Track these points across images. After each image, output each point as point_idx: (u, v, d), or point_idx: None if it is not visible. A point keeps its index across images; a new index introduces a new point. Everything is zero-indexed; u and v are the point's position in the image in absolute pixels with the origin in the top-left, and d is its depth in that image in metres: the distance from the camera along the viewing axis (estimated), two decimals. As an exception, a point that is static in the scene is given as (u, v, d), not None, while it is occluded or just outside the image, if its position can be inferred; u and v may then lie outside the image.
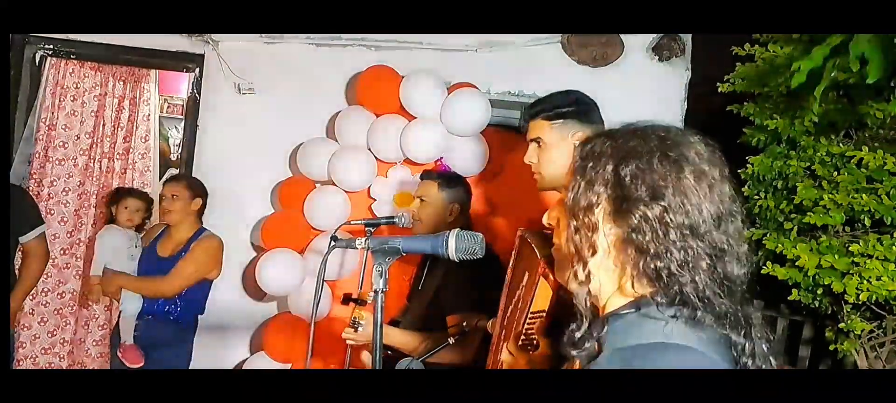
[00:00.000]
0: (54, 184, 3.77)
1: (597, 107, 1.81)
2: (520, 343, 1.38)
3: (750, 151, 2.69)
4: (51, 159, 3.75)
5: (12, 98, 3.56)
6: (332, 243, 1.66)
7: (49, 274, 3.68)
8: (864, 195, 2.23)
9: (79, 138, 3.82)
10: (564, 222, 0.99)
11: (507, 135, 3.43)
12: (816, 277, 2.34)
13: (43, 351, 3.78)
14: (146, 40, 3.54)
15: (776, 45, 2.56)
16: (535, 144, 1.77)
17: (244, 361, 3.52)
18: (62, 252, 3.77)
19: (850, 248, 2.28)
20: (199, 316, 3.19)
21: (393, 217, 2.50)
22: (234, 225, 3.52)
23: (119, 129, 3.93)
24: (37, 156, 3.73)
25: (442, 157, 3.24)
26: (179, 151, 4.19)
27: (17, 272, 3.03)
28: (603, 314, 0.97)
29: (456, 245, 1.34)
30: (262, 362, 3.31)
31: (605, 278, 0.96)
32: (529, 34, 3.56)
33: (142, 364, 2.95)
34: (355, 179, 3.27)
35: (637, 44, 3.58)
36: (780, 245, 2.45)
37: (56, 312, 3.80)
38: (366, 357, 2.35)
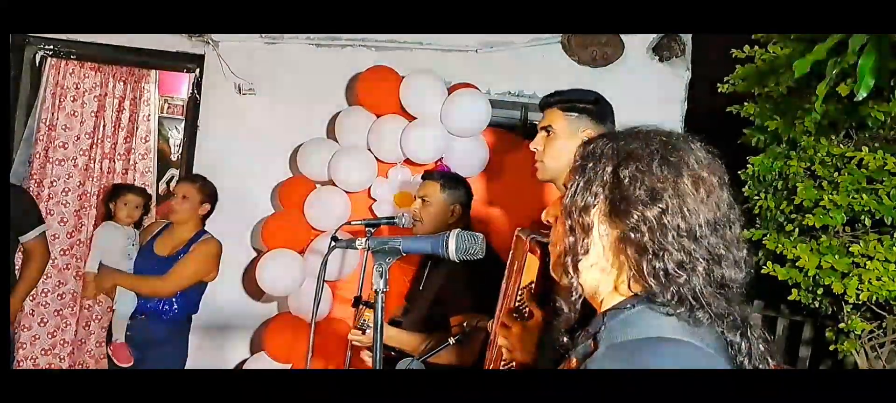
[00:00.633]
0: (54, 184, 3.76)
1: (612, 113, 1.83)
2: (512, 316, 1.42)
3: (750, 151, 2.69)
4: (51, 159, 3.75)
5: (12, 98, 3.56)
6: (333, 243, 1.66)
7: (49, 275, 3.68)
8: (864, 195, 2.23)
9: (79, 138, 3.82)
10: (561, 220, 1.00)
11: (507, 136, 3.43)
12: (817, 277, 2.34)
13: (43, 352, 3.78)
14: (146, 40, 3.55)
15: (776, 46, 2.56)
16: (545, 132, 1.78)
17: (244, 361, 3.52)
18: (62, 252, 3.77)
19: (850, 249, 2.28)
20: (194, 316, 3.18)
21: (393, 217, 2.50)
22: (235, 225, 3.52)
23: (120, 130, 3.93)
24: (37, 156, 3.73)
25: (442, 158, 3.24)
26: (179, 151, 4.20)
27: (17, 272, 3.03)
28: (600, 311, 0.97)
29: (456, 245, 1.34)
30: (263, 362, 3.30)
31: (603, 277, 0.97)
32: (529, 34, 3.57)
33: (131, 364, 2.94)
34: (355, 179, 3.27)
35: (637, 44, 3.59)
36: (780, 245, 2.45)
37: (56, 313, 3.80)
38: (367, 358, 2.36)
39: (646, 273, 0.90)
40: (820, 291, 2.42)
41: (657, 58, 3.58)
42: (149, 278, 3.02)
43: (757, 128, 2.70)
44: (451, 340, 2.11)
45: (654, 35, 3.59)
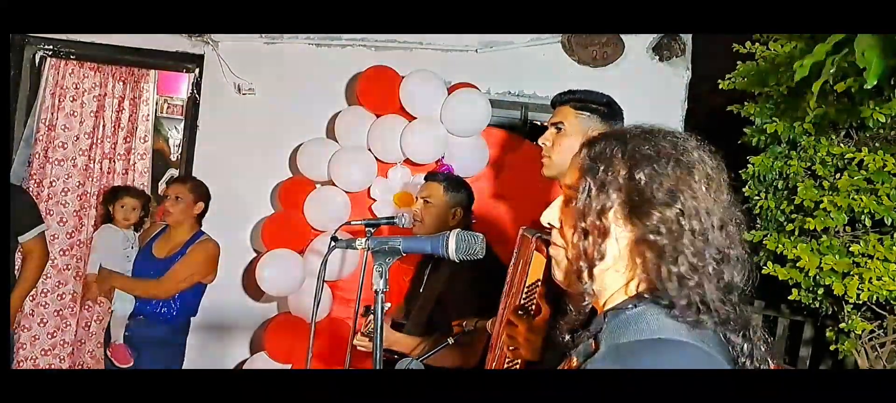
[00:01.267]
0: (54, 184, 3.77)
1: (622, 116, 1.84)
2: (518, 313, 1.43)
3: (750, 151, 2.69)
4: (50, 160, 3.75)
5: (12, 98, 3.56)
6: (332, 243, 1.66)
7: (48, 275, 3.68)
8: (864, 196, 2.23)
9: (78, 139, 3.82)
10: (570, 223, 0.98)
11: (507, 136, 3.43)
12: (817, 277, 2.34)
13: (43, 353, 3.78)
14: (146, 40, 3.55)
15: (777, 44, 2.56)
16: (555, 129, 1.79)
17: (244, 361, 3.51)
18: (62, 252, 3.77)
19: (850, 249, 2.28)
20: (193, 318, 3.18)
21: (393, 217, 2.50)
22: (234, 225, 3.52)
23: (119, 130, 3.94)
24: (36, 156, 3.73)
25: (442, 157, 3.24)
26: (179, 152, 4.20)
27: (17, 272, 3.03)
28: (601, 311, 0.97)
29: (456, 245, 1.34)
30: (263, 362, 3.30)
31: (611, 280, 0.96)
32: (529, 34, 3.57)
33: (130, 364, 2.94)
34: (355, 179, 3.26)
35: (637, 44, 3.59)
36: (780, 245, 2.45)
37: (56, 313, 3.80)
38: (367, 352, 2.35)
39: (663, 277, 0.90)
40: (820, 291, 2.42)
41: (657, 57, 3.58)
42: (144, 280, 3.02)
43: (757, 128, 2.70)
44: (450, 340, 2.11)
45: (655, 35, 3.59)
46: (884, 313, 2.40)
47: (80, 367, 3.83)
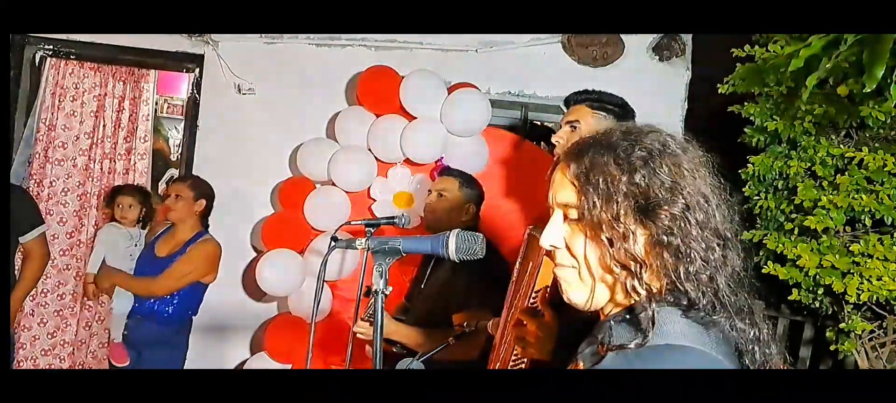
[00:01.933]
0: (54, 184, 3.76)
1: (635, 118, 1.84)
2: (528, 313, 1.42)
3: (750, 151, 2.69)
4: (50, 160, 3.75)
5: (12, 98, 3.56)
6: (333, 243, 1.66)
7: (48, 275, 3.68)
8: (864, 196, 2.23)
9: (78, 138, 3.82)
10: (581, 239, 0.95)
11: (507, 136, 3.43)
12: (817, 277, 2.34)
13: (43, 353, 3.77)
14: (146, 40, 3.55)
15: (776, 46, 2.56)
16: (570, 127, 1.79)
17: (244, 362, 3.52)
18: (62, 252, 3.76)
19: (850, 248, 2.28)
20: (194, 318, 3.18)
21: (393, 217, 2.50)
22: (234, 225, 3.52)
23: (119, 130, 3.93)
24: (36, 156, 3.73)
25: (442, 157, 3.24)
26: (179, 151, 4.20)
27: (17, 272, 3.03)
28: (604, 317, 0.97)
29: (456, 245, 1.33)
30: (263, 362, 3.30)
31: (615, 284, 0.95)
32: (529, 34, 3.57)
33: (127, 363, 2.94)
34: (355, 179, 3.27)
35: (637, 44, 3.59)
36: (780, 245, 2.45)
37: (56, 313, 3.80)
38: (370, 353, 2.35)
39: (682, 277, 0.89)
40: (820, 291, 2.42)
41: (657, 57, 3.58)
42: (143, 278, 3.02)
43: (757, 128, 2.70)
44: (451, 340, 2.12)
45: (655, 35, 3.59)
46: (884, 313, 2.40)
47: (80, 367, 3.83)
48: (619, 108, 1.82)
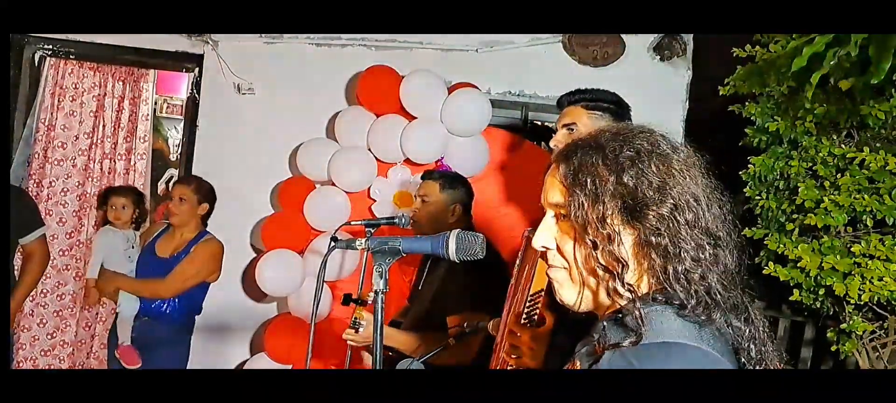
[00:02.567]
0: (53, 184, 3.77)
1: (630, 114, 1.83)
2: (521, 322, 1.42)
3: (751, 152, 2.69)
4: (50, 160, 3.75)
5: (12, 98, 3.56)
6: (332, 244, 1.65)
7: (48, 276, 3.68)
8: (865, 196, 2.23)
9: (78, 138, 3.82)
10: (570, 240, 0.97)
11: (507, 136, 3.43)
12: (818, 278, 2.33)
13: (43, 353, 3.77)
14: (145, 40, 3.55)
15: (777, 46, 2.55)
16: (567, 130, 1.78)
17: (245, 362, 3.51)
18: (61, 253, 3.76)
19: (851, 249, 2.27)
20: (197, 317, 3.18)
21: (393, 217, 2.50)
22: (234, 225, 3.51)
23: (119, 129, 3.94)
24: (36, 156, 3.73)
25: (442, 157, 3.23)
26: (179, 151, 4.20)
27: (16, 273, 3.02)
28: (603, 315, 0.97)
29: (456, 245, 1.33)
30: (263, 363, 3.30)
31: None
32: (530, 34, 3.56)
33: (139, 365, 2.94)
34: (355, 179, 3.26)
35: (638, 43, 3.58)
36: (781, 245, 2.44)
37: (55, 314, 3.80)
38: (367, 358, 2.35)
39: (671, 278, 0.90)
40: (821, 291, 2.42)
41: (658, 57, 3.58)
42: (149, 281, 3.02)
43: (758, 129, 2.70)
44: (451, 340, 2.11)
45: (655, 35, 3.59)
46: (885, 313, 2.40)
47: (80, 368, 3.83)
48: (614, 105, 1.81)
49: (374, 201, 3.32)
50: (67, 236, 3.79)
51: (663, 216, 0.91)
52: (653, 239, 0.91)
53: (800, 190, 2.40)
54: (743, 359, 0.94)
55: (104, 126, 3.88)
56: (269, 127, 3.59)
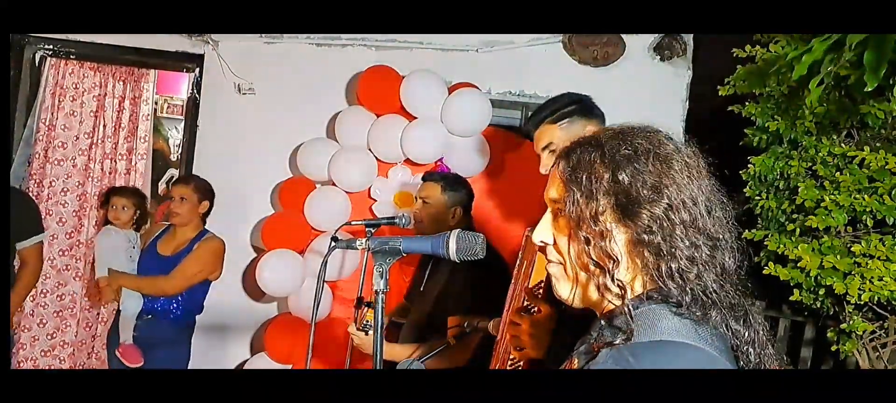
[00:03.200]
0: (53, 184, 3.77)
1: (594, 103, 1.83)
2: (521, 313, 1.42)
3: (751, 152, 2.69)
4: (50, 160, 3.75)
5: (12, 98, 3.56)
6: (333, 244, 1.65)
7: (48, 276, 3.68)
8: (865, 195, 2.23)
9: (78, 138, 3.82)
10: (564, 236, 0.98)
11: (507, 136, 3.43)
12: (818, 278, 2.33)
13: (43, 353, 3.77)
14: (146, 40, 3.55)
15: (777, 46, 2.55)
16: (549, 152, 1.77)
17: (245, 362, 3.51)
18: (61, 253, 3.76)
19: (851, 249, 2.27)
20: (198, 316, 3.18)
21: (393, 217, 2.50)
22: (235, 225, 3.51)
23: (119, 129, 3.94)
24: (36, 156, 3.73)
25: (442, 158, 3.23)
26: (179, 151, 4.20)
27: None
28: (602, 313, 0.97)
29: (457, 245, 1.33)
30: (263, 363, 3.30)
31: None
32: (530, 34, 3.56)
33: (141, 364, 2.94)
34: (355, 179, 3.26)
35: (638, 43, 3.58)
36: (781, 245, 2.44)
37: (55, 314, 3.79)
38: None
39: (664, 275, 0.90)
40: (822, 291, 2.42)
41: (658, 57, 3.58)
42: (153, 278, 3.02)
43: (758, 128, 2.70)
44: (452, 340, 2.11)
45: (656, 35, 3.59)
46: (885, 313, 2.40)
47: (81, 368, 3.82)
48: (576, 105, 1.80)
49: (375, 201, 3.32)
50: (67, 236, 3.79)
51: (657, 215, 0.91)
52: (645, 237, 0.91)
53: (800, 189, 2.40)
54: (741, 363, 0.94)
55: (104, 126, 3.88)
56: (269, 127, 3.59)
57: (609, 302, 0.95)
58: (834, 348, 2.53)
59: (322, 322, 3.23)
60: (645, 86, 3.53)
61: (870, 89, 1.57)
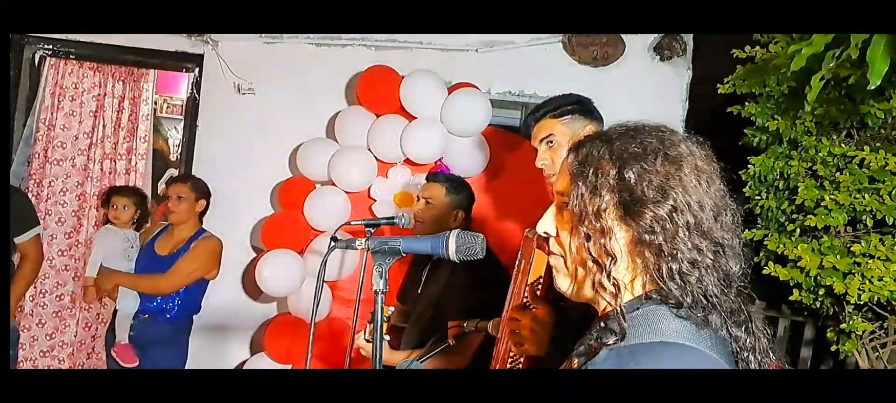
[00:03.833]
0: (53, 184, 3.76)
1: (595, 106, 1.83)
2: (521, 310, 1.43)
3: (751, 152, 2.69)
4: (50, 159, 3.75)
5: (12, 98, 3.56)
6: (332, 244, 1.65)
7: (47, 276, 3.68)
8: (865, 195, 2.23)
9: (77, 138, 3.82)
10: (566, 230, 0.97)
11: (507, 136, 3.43)
12: (818, 278, 2.34)
13: (42, 354, 3.77)
14: (145, 40, 3.55)
15: (777, 46, 2.55)
16: (546, 144, 1.77)
17: (244, 362, 3.51)
18: (60, 253, 3.76)
19: (851, 248, 2.27)
20: (195, 316, 3.18)
21: (393, 217, 2.49)
22: (234, 225, 3.52)
23: (119, 129, 3.93)
24: (36, 156, 3.73)
25: (442, 158, 3.23)
26: (179, 151, 4.20)
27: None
28: (602, 313, 0.97)
29: (457, 245, 1.33)
30: (263, 363, 3.30)
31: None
32: (530, 34, 3.56)
33: (136, 364, 2.94)
34: (355, 179, 3.26)
35: (638, 43, 3.58)
36: (781, 245, 2.44)
37: (54, 314, 3.79)
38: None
39: (665, 276, 0.89)
40: (821, 291, 2.42)
41: (658, 57, 3.58)
42: (150, 276, 3.02)
43: (758, 129, 2.70)
44: (451, 341, 2.11)
45: (655, 35, 3.59)
46: (884, 313, 2.40)
47: (80, 368, 3.82)
48: (578, 104, 1.82)
49: (375, 201, 3.32)
50: (66, 236, 3.79)
51: (660, 216, 0.90)
52: (647, 237, 0.90)
53: (800, 189, 2.40)
54: (741, 368, 0.93)
55: (104, 126, 3.88)
56: (269, 127, 3.59)
57: (603, 299, 0.94)
58: (834, 348, 2.53)
59: (322, 322, 3.23)
60: (645, 86, 3.53)
61: (872, 87, 1.57)
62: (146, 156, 4.12)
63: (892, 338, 2.44)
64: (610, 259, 0.92)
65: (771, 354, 0.95)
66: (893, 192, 2.21)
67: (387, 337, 2.19)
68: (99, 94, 3.86)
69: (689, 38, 3.58)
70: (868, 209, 2.23)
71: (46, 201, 3.72)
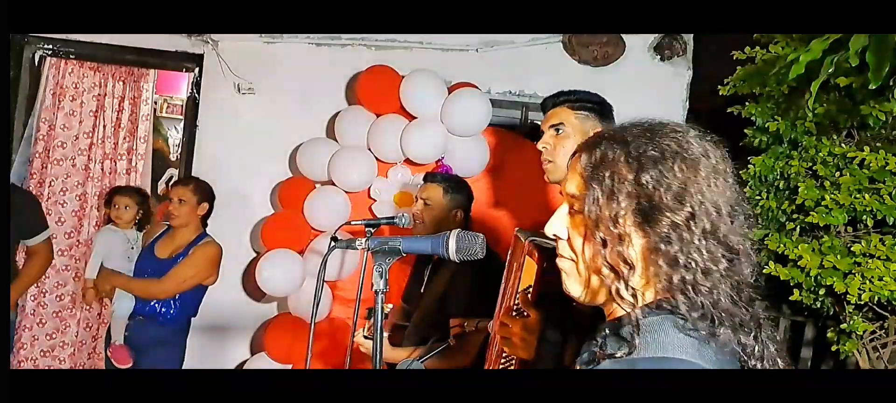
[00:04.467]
0: (53, 184, 3.76)
1: (613, 114, 1.83)
2: (512, 315, 1.43)
3: (752, 152, 2.69)
4: (50, 159, 3.75)
5: (12, 98, 3.56)
6: (332, 244, 1.65)
7: (47, 276, 3.67)
8: (866, 195, 2.23)
9: (78, 138, 3.82)
10: (580, 234, 0.94)
11: (507, 136, 3.43)
12: (818, 277, 2.33)
13: (42, 354, 3.77)
14: (145, 40, 3.54)
15: (777, 47, 2.55)
16: (554, 131, 1.76)
17: (244, 362, 3.51)
18: (60, 253, 3.76)
19: (852, 248, 2.27)
20: (193, 318, 3.17)
21: (393, 217, 2.49)
22: (234, 225, 3.51)
23: (119, 129, 3.94)
24: (36, 156, 3.73)
25: (442, 158, 3.23)
26: (179, 151, 4.20)
27: (18, 268, 3.02)
28: (610, 317, 0.95)
29: (456, 245, 1.33)
30: (263, 363, 3.30)
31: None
32: (530, 34, 3.56)
33: (130, 365, 2.93)
34: (355, 179, 3.26)
35: (638, 43, 3.58)
36: (781, 245, 2.44)
37: (55, 314, 3.79)
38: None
39: (676, 286, 0.87)
40: (822, 291, 2.42)
41: (658, 57, 3.58)
42: (145, 280, 3.01)
43: (758, 129, 2.70)
44: (452, 340, 2.11)
45: (656, 34, 3.59)
46: (885, 313, 2.40)
47: (80, 368, 3.82)
48: (598, 105, 1.81)
49: (374, 201, 3.32)
50: (66, 236, 3.79)
51: (677, 224, 0.87)
52: (662, 245, 0.87)
53: (800, 189, 2.40)
54: None
55: (104, 126, 3.88)
56: (268, 127, 3.59)
57: (620, 307, 0.91)
58: (834, 348, 2.53)
59: (322, 322, 3.23)
60: (645, 86, 3.53)
61: (873, 87, 1.56)
62: (146, 155, 4.12)
63: (892, 338, 2.44)
64: (628, 267, 0.89)
65: (779, 361, 0.93)
66: (894, 192, 2.21)
67: (386, 334, 2.19)
68: (99, 94, 3.86)
69: (689, 38, 3.58)
70: (868, 209, 2.22)
71: (47, 201, 3.72)
